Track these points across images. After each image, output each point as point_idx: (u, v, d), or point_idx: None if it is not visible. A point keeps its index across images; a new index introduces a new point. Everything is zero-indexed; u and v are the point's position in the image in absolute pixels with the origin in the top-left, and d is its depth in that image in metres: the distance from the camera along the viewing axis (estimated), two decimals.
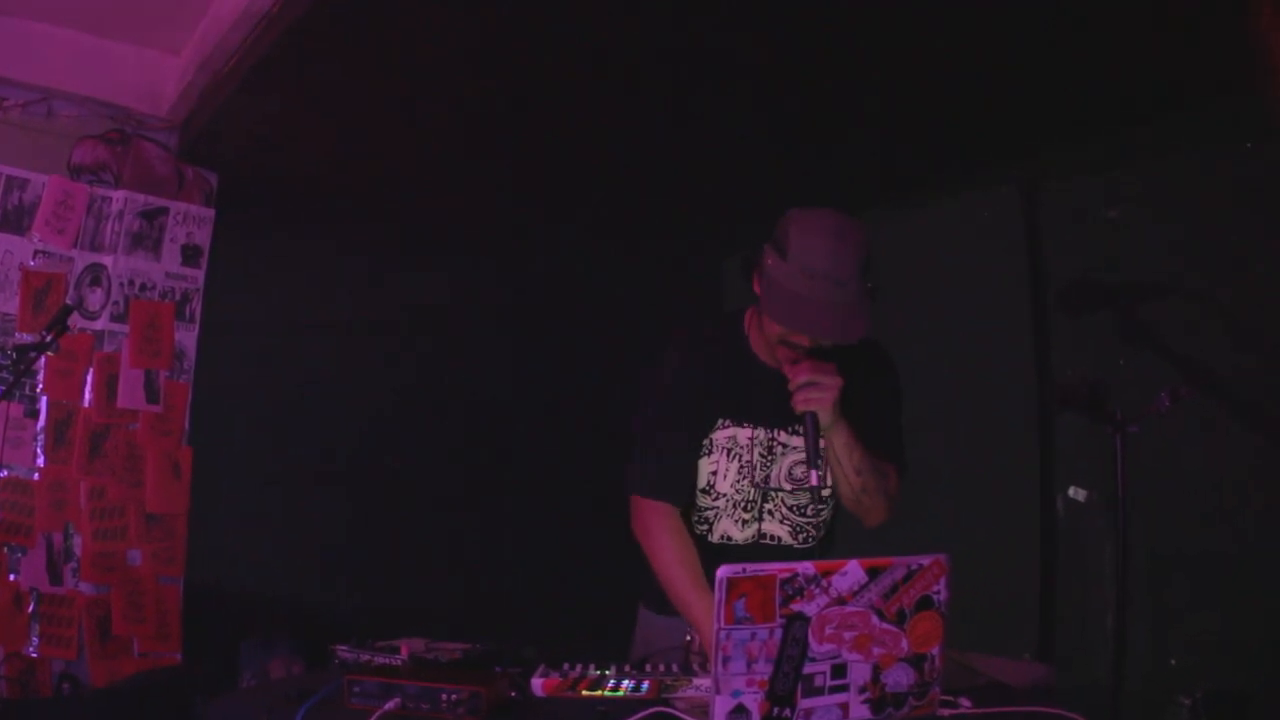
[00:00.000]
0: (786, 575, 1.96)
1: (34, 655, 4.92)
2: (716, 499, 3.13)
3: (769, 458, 3.09)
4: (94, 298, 5.20)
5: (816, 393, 2.81)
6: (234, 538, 5.33)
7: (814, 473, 2.82)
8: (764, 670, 1.97)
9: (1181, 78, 4.21)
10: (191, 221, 5.44)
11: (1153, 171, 4.66)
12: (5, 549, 4.92)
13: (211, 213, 5.52)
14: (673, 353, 3.17)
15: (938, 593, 2.12)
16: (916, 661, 2.11)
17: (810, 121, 4.86)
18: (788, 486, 3.10)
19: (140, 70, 5.33)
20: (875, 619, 2.06)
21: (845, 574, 2.02)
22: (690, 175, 5.55)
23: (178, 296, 5.38)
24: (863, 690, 2.06)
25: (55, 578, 5.01)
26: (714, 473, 3.12)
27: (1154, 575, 4.43)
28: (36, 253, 5.09)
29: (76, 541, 5.07)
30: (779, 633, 1.97)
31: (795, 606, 1.97)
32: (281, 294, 5.58)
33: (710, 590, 2.47)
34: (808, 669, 2.00)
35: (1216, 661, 4.25)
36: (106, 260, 5.25)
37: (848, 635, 2.03)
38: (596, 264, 6.44)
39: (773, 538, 3.12)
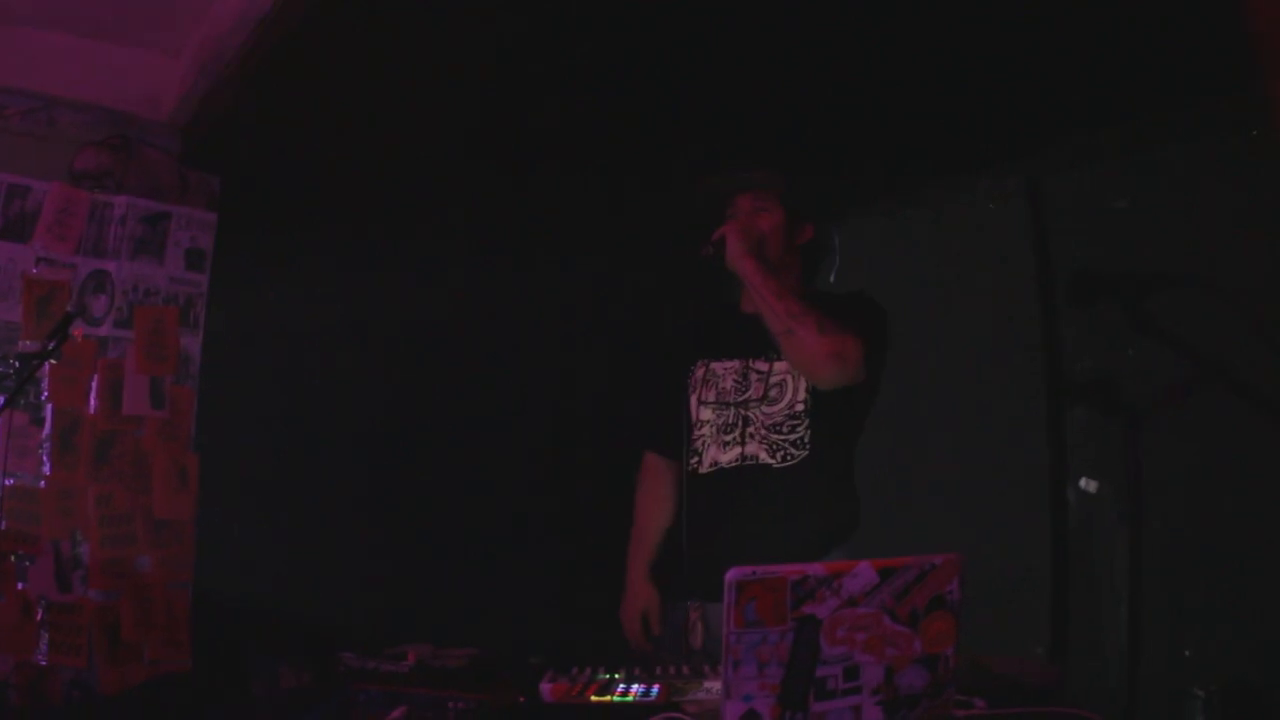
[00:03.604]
0: (797, 577, 1.94)
1: (43, 663, 4.90)
2: (702, 428, 3.53)
3: (744, 383, 3.49)
4: (98, 304, 5.18)
5: (732, 224, 3.49)
6: (241, 543, 5.28)
7: (709, 250, 3.43)
8: (775, 674, 1.94)
9: (1190, 65, 4.18)
10: (195, 226, 5.41)
11: (1162, 160, 4.63)
12: (13, 558, 4.90)
13: (214, 217, 5.48)
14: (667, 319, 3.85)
15: (951, 592, 2.09)
16: (930, 662, 2.09)
17: (811, 117, 4.83)
18: (765, 406, 3.44)
19: (140, 75, 5.31)
20: (888, 620, 2.03)
21: (856, 575, 1.99)
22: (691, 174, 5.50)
23: (182, 301, 5.36)
24: (876, 692, 2.04)
25: (64, 585, 4.99)
26: (698, 403, 3.56)
27: (1167, 566, 4.40)
28: (39, 260, 5.07)
29: (84, 549, 5.05)
30: (790, 636, 1.94)
31: (806, 609, 1.95)
32: (286, 297, 5.52)
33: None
34: (820, 672, 1.98)
35: (1232, 654, 4.22)
36: (110, 266, 5.22)
37: (860, 637, 2.00)
38: (602, 263, 6.38)
39: (752, 457, 3.41)
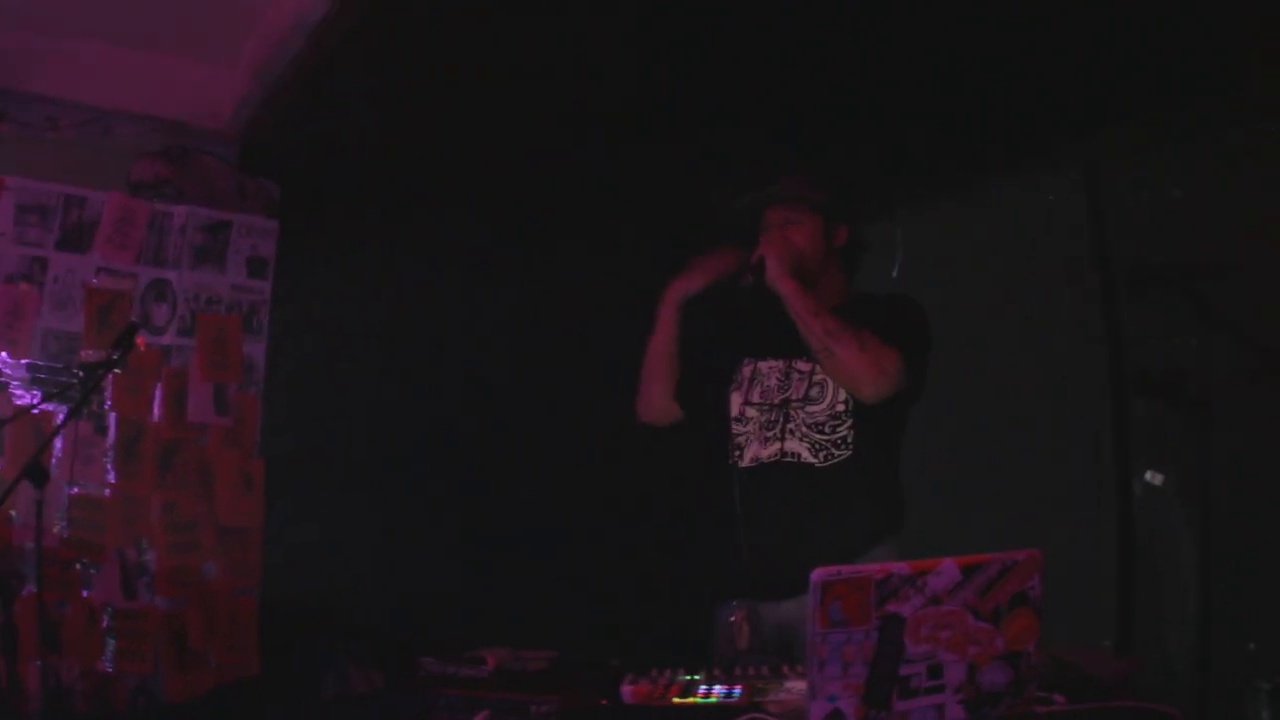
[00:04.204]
0: (881, 576, 1.93)
1: (109, 670, 4.94)
2: (746, 424, 3.61)
3: (786, 382, 3.57)
4: (159, 313, 5.22)
5: (769, 243, 3.55)
6: (308, 548, 5.26)
7: (750, 276, 3.51)
8: (860, 673, 1.94)
9: (1249, 49, 4.15)
10: (255, 234, 5.43)
11: (1218, 147, 4.59)
12: (78, 565, 4.95)
13: (275, 224, 5.50)
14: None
15: (1032, 588, 2.08)
16: (1012, 659, 2.08)
17: (866, 107, 4.81)
18: (807, 406, 3.50)
19: (195, 84, 5.32)
20: (971, 618, 2.02)
21: (940, 573, 1.99)
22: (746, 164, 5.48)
23: (244, 309, 5.39)
24: (958, 690, 2.03)
25: (129, 593, 5.02)
26: (743, 401, 3.64)
27: (1231, 558, 4.36)
28: (99, 270, 5.11)
29: (150, 556, 5.08)
30: (875, 635, 1.94)
31: (891, 608, 1.94)
32: (349, 302, 5.49)
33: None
34: (904, 670, 1.97)
35: None
36: (171, 275, 5.26)
37: (944, 635, 2.00)
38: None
39: (793, 455, 3.48)
